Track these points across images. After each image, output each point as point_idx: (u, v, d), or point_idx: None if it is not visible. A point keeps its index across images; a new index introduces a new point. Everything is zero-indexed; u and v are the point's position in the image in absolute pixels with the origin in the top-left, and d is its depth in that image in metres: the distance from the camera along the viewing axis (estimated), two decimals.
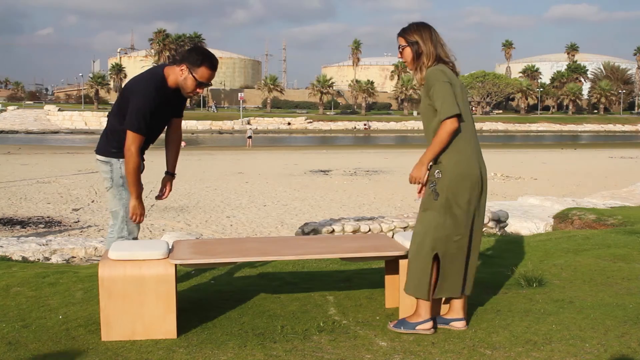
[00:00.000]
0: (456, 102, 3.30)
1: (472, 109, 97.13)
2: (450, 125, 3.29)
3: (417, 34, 3.46)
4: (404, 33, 3.50)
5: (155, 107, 3.72)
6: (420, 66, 3.45)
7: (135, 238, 4.00)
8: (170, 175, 4.15)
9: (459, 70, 3.52)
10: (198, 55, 3.69)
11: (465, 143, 3.40)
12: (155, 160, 8.35)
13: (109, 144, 3.91)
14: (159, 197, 4.15)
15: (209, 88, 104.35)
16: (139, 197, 3.83)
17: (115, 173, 3.90)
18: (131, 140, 3.70)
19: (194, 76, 3.67)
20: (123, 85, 4.02)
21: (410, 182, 3.47)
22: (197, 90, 3.75)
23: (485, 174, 3.49)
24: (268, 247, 3.83)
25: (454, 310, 3.58)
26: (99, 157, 3.96)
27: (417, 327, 3.47)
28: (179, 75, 3.70)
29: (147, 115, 3.68)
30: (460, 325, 3.54)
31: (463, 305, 3.58)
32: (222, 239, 4.11)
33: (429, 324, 3.48)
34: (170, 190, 4.17)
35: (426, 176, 3.43)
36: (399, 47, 3.54)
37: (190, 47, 3.86)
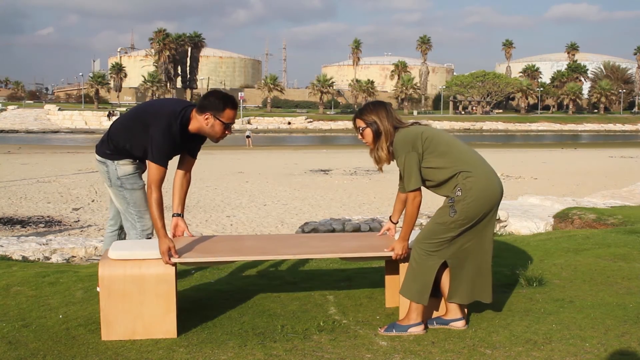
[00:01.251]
0: (419, 176, 3.43)
1: (472, 109, 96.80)
2: (416, 198, 3.46)
3: (374, 114, 3.58)
4: (361, 115, 3.64)
5: (175, 145, 3.76)
6: (381, 145, 3.56)
7: (151, 234, 3.98)
8: (179, 216, 4.02)
9: (421, 122, 3.68)
10: (219, 100, 3.71)
11: (475, 161, 3.49)
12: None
13: (106, 146, 3.94)
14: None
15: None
16: (164, 235, 3.52)
17: (111, 174, 3.94)
18: (155, 173, 3.63)
19: (220, 121, 3.71)
20: (145, 105, 3.96)
21: (394, 259, 3.60)
22: (227, 132, 3.79)
23: (501, 184, 3.58)
24: (267, 246, 3.83)
25: (452, 310, 3.58)
26: (97, 156, 4.02)
27: (409, 330, 3.48)
28: (204, 124, 3.72)
29: (169, 151, 3.71)
30: (460, 325, 3.55)
31: (460, 305, 3.58)
32: (222, 235, 4.08)
33: (421, 327, 3.50)
34: (187, 229, 4.03)
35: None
36: (358, 129, 3.65)
37: (206, 94, 3.80)
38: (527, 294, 4.17)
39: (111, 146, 3.91)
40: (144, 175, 3.89)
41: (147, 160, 3.72)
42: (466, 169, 3.44)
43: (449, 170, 3.45)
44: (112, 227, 4.23)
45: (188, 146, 3.94)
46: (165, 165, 3.69)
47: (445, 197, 3.50)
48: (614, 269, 4.80)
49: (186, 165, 4.04)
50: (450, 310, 3.59)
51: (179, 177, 4.04)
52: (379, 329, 3.55)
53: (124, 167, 3.93)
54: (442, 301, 3.68)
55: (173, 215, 4.03)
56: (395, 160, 3.54)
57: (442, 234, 3.46)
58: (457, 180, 3.44)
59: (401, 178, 3.56)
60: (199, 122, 3.74)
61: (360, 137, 3.65)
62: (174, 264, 3.49)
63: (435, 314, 3.68)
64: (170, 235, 3.76)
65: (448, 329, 3.54)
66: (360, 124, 3.62)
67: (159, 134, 3.65)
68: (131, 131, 3.84)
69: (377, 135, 3.56)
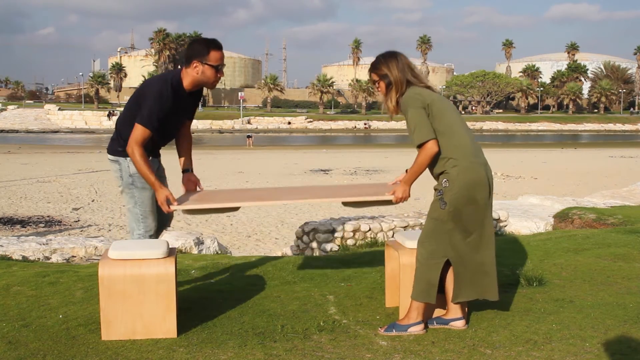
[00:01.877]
0: (430, 128, 3.36)
1: (472, 109, 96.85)
2: (430, 149, 3.35)
3: (385, 66, 3.55)
4: (374, 69, 3.62)
5: (170, 109, 3.70)
6: (390, 96, 3.52)
7: (153, 235, 3.93)
8: (189, 172, 4.02)
9: (436, 89, 3.59)
10: (200, 44, 3.70)
11: (466, 149, 3.43)
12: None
13: (117, 143, 3.86)
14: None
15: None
16: (159, 186, 3.63)
17: (124, 172, 3.84)
18: (138, 133, 3.62)
19: (209, 65, 3.67)
20: (139, 86, 3.92)
21: (394, 202, 3.53)
22: (218, 75, 3.74)
23: (491, 176, 3.53)
24: (267, 194, 3.80)
25: (452, 310, 3.58)
26: (109, 156, 3.92)
27: (409, 330, 3.48)
28: (194, 73, 3.70)
29: (160, 114, 3.64)
30: (459, 324, 3.54)
31: (461, 304, 3.58)
32: (223, 190, 4.08)
33: (421, 326, 3.50)
34: (199, 182, 4.02)
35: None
36: (374, 83, 3.64)
37: (190, 43, 3.79)
38: (527, 294, 4.17)
39: (121, 142, 3.82)
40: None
41: (135, 123, 3.65)
42: (455, 156, 3.39)
43: (440, 151, 3.42)
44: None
45: (186, 113, 3.92)
46: (150, 128, 3.62)
47: (434, 190, 3.48)
48: (614, 269, 4.80)
49: (185, 125, 4.05)
50: (450, 310, 3.59)
51: (179, 138, 4.06)
52: (379, 329, 3.54)
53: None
54: (444, 301, 3.67)
55: (183, 172, 4.02)
56: (404, 116, 3.46)
57: (439, 228, 3.45)
58: (444, 166, 3.42)
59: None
60: (189, 75, 3.71)
61: (377, 89, 3.64)
62: (174, 261, 3.49)
63: (436, 313, 3.68)
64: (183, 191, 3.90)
65: (448, 329, 3.54)
66: (374, 77, 3.62)
67: (150, 97, 3.64)
68: (134, 117, 3.78)
69: (388, 86, 3.52)
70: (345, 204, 3.69)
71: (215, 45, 3.70)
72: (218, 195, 3.78)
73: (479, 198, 3.43)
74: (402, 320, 3.52)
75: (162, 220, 4.06)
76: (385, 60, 3.56)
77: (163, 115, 3.68)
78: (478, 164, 3.44)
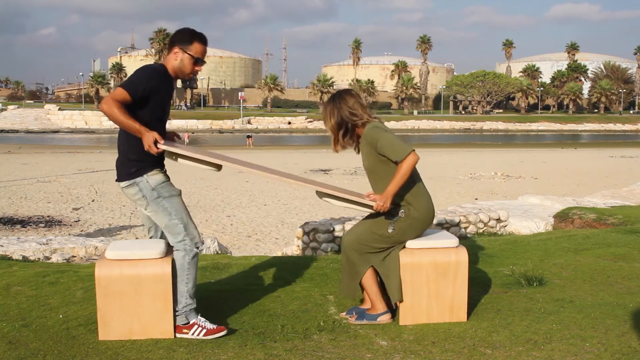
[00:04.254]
0: (404, 142, 3.58)
1: (472, 109, 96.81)
2: (412, 159, 3.53)
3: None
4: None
5: (166, 91, 3.59)
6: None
7: (199, 243, 3.61)
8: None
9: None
10: (186, 34, 3.62)
11: (423, 186, 3.72)
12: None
13: (127, 166, 3.55)
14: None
15: (209, 87, 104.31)
16: (145, 130, 3.37)
17: (145, 190, 3.52)
18: (118, 92, 3.36)
19: (189, 54, 3.58)
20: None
21: (375, 210, 3.62)
22: (196, 68, 3.64)
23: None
24: (253, 167, 3.71)
25: (375, 305, 3.75)
26: (122, 184, 3.58)
27: (379, 319, 3.67)
28: (173, 60, 3.59)
29: (144, 85, 3.43)
30: (386, 318, 3.72)
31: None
32: (212, 152, 3.89)
33: (389, 315, 3.70)
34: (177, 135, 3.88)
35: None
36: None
37: (175, 32, 3.68)
38: (527, 294, 4.17)
39: (132, 162, 3.54)
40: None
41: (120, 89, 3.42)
42: (414, 193, 3.64)
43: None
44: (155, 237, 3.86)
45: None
46: (130, 93, 3.37)
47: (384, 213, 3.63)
48: (614, 269, 4.80)
49: None
50: (375, 305, 3.74)
51: None
52: (349, 318, 3.71)
53: (155, 176, 3.55)
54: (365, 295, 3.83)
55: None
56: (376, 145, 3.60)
57: (375, 243, 3.66)
58: (404, 199, 3.62)
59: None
60: (169, 61, 3.60)
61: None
62: (171, 261, 3.48)
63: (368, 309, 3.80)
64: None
65: (449, 329, 3.54)
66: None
67: (138, 71, 3.49)
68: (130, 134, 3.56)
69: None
70: (319, 194, 3.66)
71: (200, 37, 3.63)
72: (205, 151, 3.68)
73: (423, 232, 3.73)
74: (371, 310, 3.73)
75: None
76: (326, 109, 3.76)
77: (154, 91, 3.49)
78: (431, 202, 3.71)
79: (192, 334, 3.43)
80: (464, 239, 6.80)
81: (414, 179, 3.64)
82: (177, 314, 3.48)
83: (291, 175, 3.93)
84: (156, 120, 3.56)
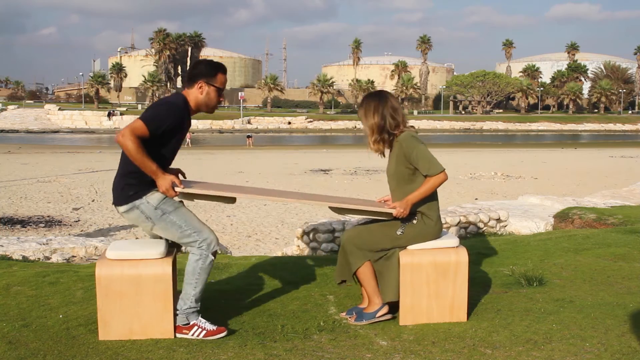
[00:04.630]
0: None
1: (472, 109, 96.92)
2: (442, 176, 3.62)
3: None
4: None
5: (183, 124, 3.52)
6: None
7: (216, 245, 3.56)
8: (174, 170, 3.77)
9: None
10: (209, 67, 3.60)
11: (437, 201, 3.75)
12: None
13: (126, 190, 3.47)
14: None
15: None
16: (162, 172, 3.37)
17: (147, 210, 3.46)
18: (138, 125, 3.30)
19: (215, 86, 3.59)
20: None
21: (395, 215, 3.65)
22: (220, 99, 3.67)
23: None
24: (266, 192, 3.82)
25: (372, 302, 3.74)
26: (121, 208, 3.50)
27: (377, 315, 3.68)
28: (198, 94, 3.55)
29: (165, 123, 3.37)
30: (384, 312, 3.72)
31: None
32: (223, 184, 4.00)
33: (386, 308, 3.70)
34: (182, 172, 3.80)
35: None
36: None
37: (195, 64, 3.64)
38: (527, 294, 4.17)
39: (131, 186, 3.47)
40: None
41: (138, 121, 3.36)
42: (430, 206, 3.69)
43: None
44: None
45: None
46: (151, 130, 3.31)
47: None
48: (614, 269, 4.80)
49: None
50: (372, 301, 3.74)
51: None
52: (349, 319, 3.71)
53: (153, 195, 3.47)
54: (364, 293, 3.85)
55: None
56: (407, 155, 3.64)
57: (378, 241, 3.67)
58: (421, 208, 3.67)
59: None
60: (193, 95, 3.56)
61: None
62: (172, 261, 3.48)
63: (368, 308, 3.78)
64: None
65: (449, 329, 3.54)
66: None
67: (158, 104, 3.44)
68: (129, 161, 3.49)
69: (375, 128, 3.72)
70: (338, 210, 3.72)
71: (222, 68, 3.64)
72: (219, 185, 3.77)
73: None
74: (368, 308, 3.72)
75: None
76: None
77: (175, 129, 3.44)
78: (440, 220, 3.75)
79: (192, 335, 3.43)
80: (464, 239, 6.80)
81: (433, 192, 3.69)
82: (177, 313, 3.48)
83: (308, 195, 4.02)
84: (170, 153, 3.55)
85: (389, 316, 3.70)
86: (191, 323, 3.46)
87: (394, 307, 3.74)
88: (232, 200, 3.56)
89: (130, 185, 3.46)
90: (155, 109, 3.42)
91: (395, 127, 3.65)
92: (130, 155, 3.30)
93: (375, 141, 3.69)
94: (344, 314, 3.81)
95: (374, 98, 3.73)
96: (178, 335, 3.45)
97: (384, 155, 3.79)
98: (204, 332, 3.43)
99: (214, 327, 3.46)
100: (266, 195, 3.78)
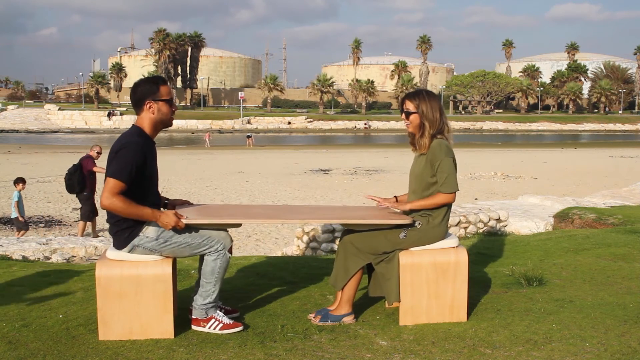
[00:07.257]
0: (457, 181, 3.65)
1: (472, 109, 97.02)
2: (450, 198, 3.62)
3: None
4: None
5: (149, 155, 3.47)
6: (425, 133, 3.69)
7: (229, 244, 3.53)
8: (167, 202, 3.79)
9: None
10: (149, 84, 3.52)
11: (448, 212, 3.72)
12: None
13: (120, 234, 3.44)
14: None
15: (209, 87, 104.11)
16: (159, 212, 3.39)
17: (150, 245, 3.43)
18: (111, 184, 3.28)
19: (162, 100, 3.51)
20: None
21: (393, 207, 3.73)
22: (173, 109, 3.58)
23: None
24: (274, 213, 3.87)
25: (342, 306, 3.73)
26: (122, 251, 3.48)
27: (343, 319, 3.67)
28: (150, 114, 3.49)
29: (133, 165, 3.33)
30: (349, 319, 3.69)
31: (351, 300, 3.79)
32: (227, 205, 4.06)
33: (352, 317, 3.70)
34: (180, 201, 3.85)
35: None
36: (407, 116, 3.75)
37: (133, 88, 3.53)
38: (527, 294, 4.17)
39: (122, 228, 3.43)
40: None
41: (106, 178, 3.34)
42: (438, 214, 3.65)
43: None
44: None
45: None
46: (122, 179, 3.29)
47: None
48: (614, 269, 4.80)
49: None
50: (342, 306, 3.72)
51: None
52: (313, 319, 3.68)
53: (149, 228, 3.42)
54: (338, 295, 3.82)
55: (164, 206, 3.72)
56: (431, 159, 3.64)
57: (380, 245, 3.65)
58: (430, 212, 3.64)
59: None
60: (146, 118, 3.50)
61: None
62: (172, 261, 3.48)
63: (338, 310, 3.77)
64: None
65: (449, 329, 3.54)
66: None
67: (119, 152, 3.35)
68: None
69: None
70: (346, 225, 3.76)
71: (162, 80, 3.58)
72: (226, 210, 3.81)
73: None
74: (335, 311, 3.72)
75: None
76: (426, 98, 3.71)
77: (144, 163, 3.40)
78: (445, 223, 3.71)
79: (209, 327, 3.47)
80: (463, 239, 6.80)
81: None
82: (195, 307, 3.52)
83: (317, 213, 4.10)
84: (151, 184, 3.52)
85: (353, 321, 3.69)
86: (209, 316, 3.50)
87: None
88: (237, 225, 3.61)
89: (122, 229, 3.44)
90: (117, 159, 3.35)
91: (437, 127, 3.66)
92: (123, 214, 3.33)
93: (430, 135, 3.64)
94: (312, 315, 3.75)
95: (436, 96, 3.73)
96: (194, 327, 3.50)
97: (415, 152, 3.77)
98: (221, 325, 3.47)
99: (231, 321, 3.50)
100: (274, 218, 3.77)
